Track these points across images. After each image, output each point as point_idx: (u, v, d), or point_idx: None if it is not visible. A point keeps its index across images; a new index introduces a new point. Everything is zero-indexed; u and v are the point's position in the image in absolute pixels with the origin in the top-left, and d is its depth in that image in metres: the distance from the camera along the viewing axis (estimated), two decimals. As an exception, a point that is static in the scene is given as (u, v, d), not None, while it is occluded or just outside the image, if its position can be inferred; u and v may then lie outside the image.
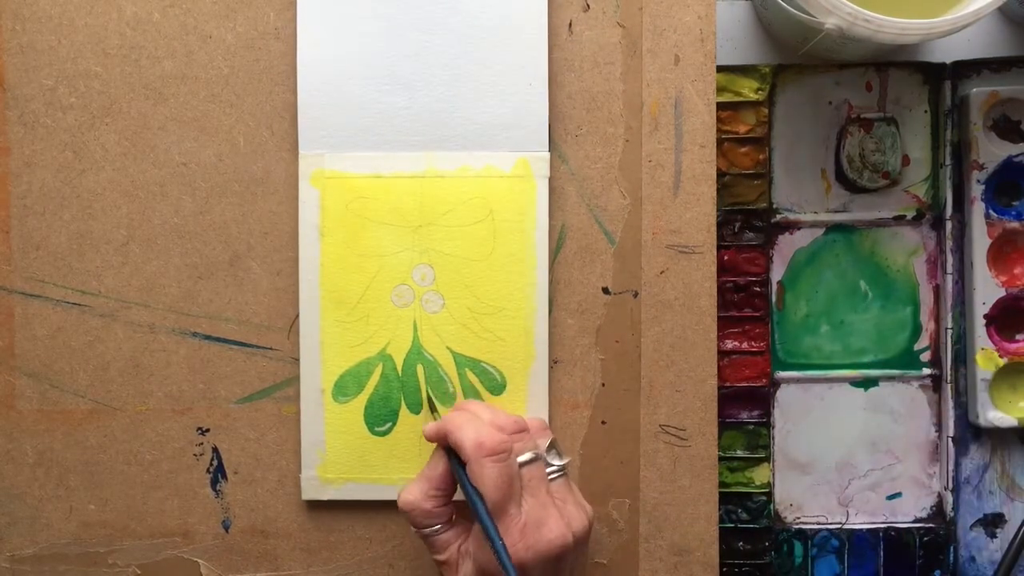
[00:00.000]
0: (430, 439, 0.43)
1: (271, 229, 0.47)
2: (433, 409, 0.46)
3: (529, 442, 0.42)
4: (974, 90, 0.48)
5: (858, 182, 0.48)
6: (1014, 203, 0.48)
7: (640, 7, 0.46)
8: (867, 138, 0.48)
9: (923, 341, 0.50)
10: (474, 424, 0.41)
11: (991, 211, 0.48)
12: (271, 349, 0.47)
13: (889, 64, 0.49)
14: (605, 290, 0.47)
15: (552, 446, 0.43)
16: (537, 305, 0.46)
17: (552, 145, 0.46)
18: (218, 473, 0.47)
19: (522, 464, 0.41)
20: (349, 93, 0.46)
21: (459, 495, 0.42)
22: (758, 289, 0.49)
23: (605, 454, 0.47)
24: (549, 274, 0.46)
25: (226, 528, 0.48)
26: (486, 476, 0.39)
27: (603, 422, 0.47)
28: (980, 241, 0.48)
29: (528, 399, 0.46)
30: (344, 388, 0.46)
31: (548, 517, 0.40)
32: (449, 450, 0.42)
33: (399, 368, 0.46)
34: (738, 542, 0.49)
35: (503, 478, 0.40)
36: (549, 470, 0.42)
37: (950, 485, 0.49)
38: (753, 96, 0.48)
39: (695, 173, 0.46)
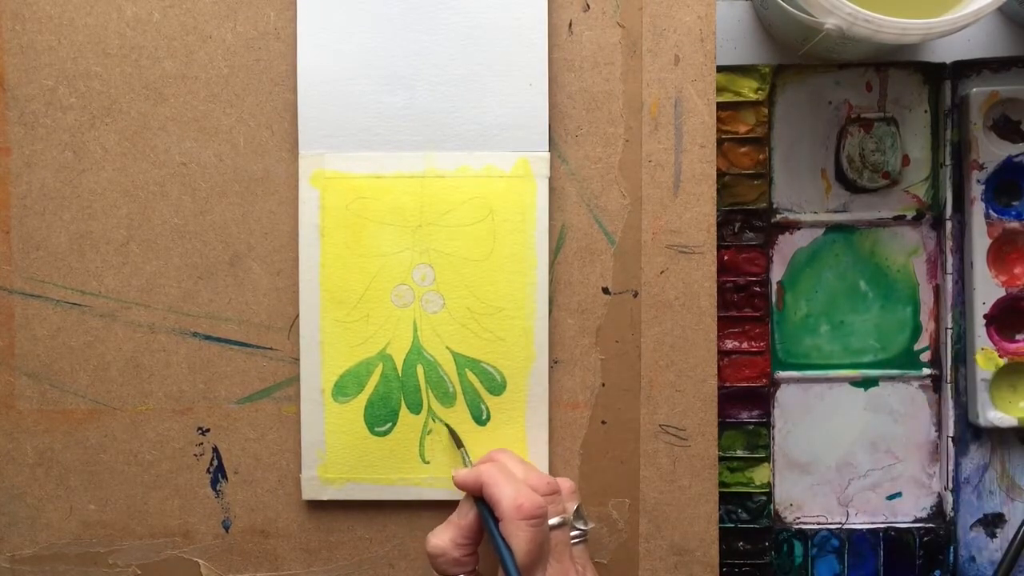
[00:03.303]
0: (464, 488, 0.43)
1: (271, 229, 0.47)
2: (459, 444, 0.46)
3: (559, 504, 0.42)
4: (974, 90, 0.48)
5: (858, 182, 0.48)
6: (1014, 203, 0.48)
7: (640, 7, 0.46)
8: (867, 138, 0.48)
9: (923, 341, 0.50)
10: (512, 482, 0.41)
11: (991, 211, 0.48)
12: (271, 349, 0.47)
13: (889, 64, 0.49)
14: (605, 290, 0.47)
15: (579, 510, 0.43)
16: (537, 305, 0.46)
17: (552, 145, 0.46)
18: (218, 473, 0.47)
19: (551, 527, 0.41)
20: (349, 93, 0.46)
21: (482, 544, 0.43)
22: (758, 289, 0.49)
23: (605, 454, 0.47)
24: (549, 274, 0.46)
25: (226, 528, 0.48)
26: (521, 538, 0.39)
27: (603, 422, 0.47)
28: (980, 241, 0.48)
29: (528, 399, 0.46)
30: (344, 388, 0.46)
31: None
32: (480, 501, 0.42)
33: (399, 368, 0.46)
34: (738, 542, 0.49)
35: (535, 542, 0.40)
36: (573, 534, 0.42)
37: (950, 485, 0.49)
38: (753, 96, 0.48)
39: (695, 173, 0.46)
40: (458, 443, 0.46)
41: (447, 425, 0.46)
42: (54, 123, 0.47)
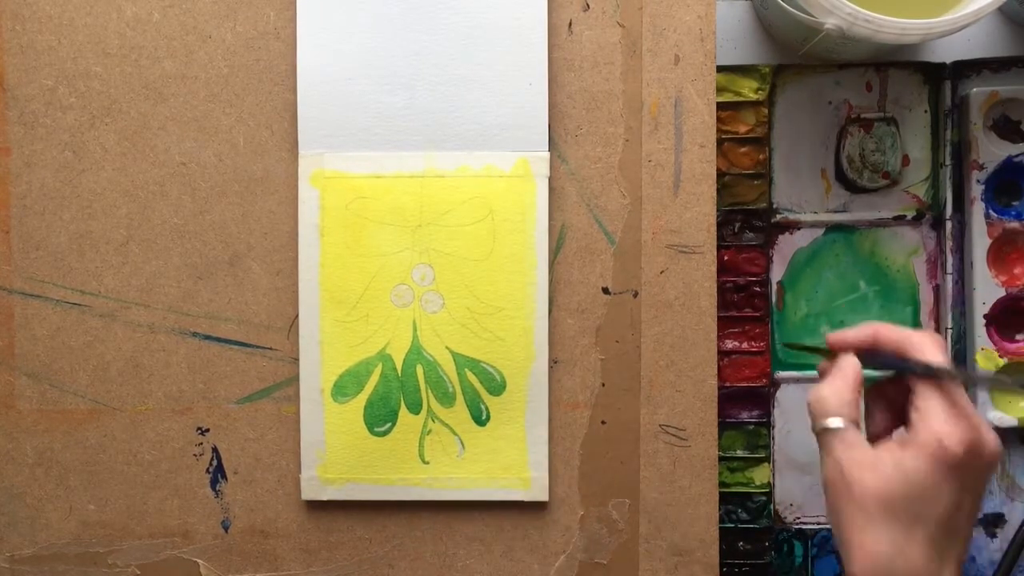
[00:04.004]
0: (845, 344, 0.40)
1: (271, 229, 0.47)
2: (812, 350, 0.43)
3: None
4: (974, 90, 0.48)
5: (858, 182, 0.48)
6: (1014, 203, 0.48)
7: (640, 7, 0.46)
8: (867, 138, 0.48)
9: (923, 341, 0.50)
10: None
11: (991, 211, 0.48)
12: (271, 349, 0.47)
13: (889, 64, 0.49)
14: (605, 290, 0.47)
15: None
16: (537, 305, 0.46)
17: (552, 145, 0.46)
18: (218, 473, 0.47)
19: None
20: (349, 93, 0.46)
21: None
22: (758, 289, 0.49)
23: (605, 454, 0.47)
24: (549, 274, 0.46)
25: (226, 528, 0.48)
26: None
27: (603, 422, 0.47)
28: (980, 241, 0.48)
29: (528, 399, 0.46)
30: (344, 388, 0.46)
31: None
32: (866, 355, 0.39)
33: (399, 368, 0.46)
34: (738, 542, 0.49)
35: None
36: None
37: (950, 485, 0.49)
38: (753, 96, 0.48)
39: (695, 173, 0.46)
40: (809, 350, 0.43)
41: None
42: (54, 123, 0.47)
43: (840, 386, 0.39)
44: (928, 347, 0.38)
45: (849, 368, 0.39)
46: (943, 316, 0.49)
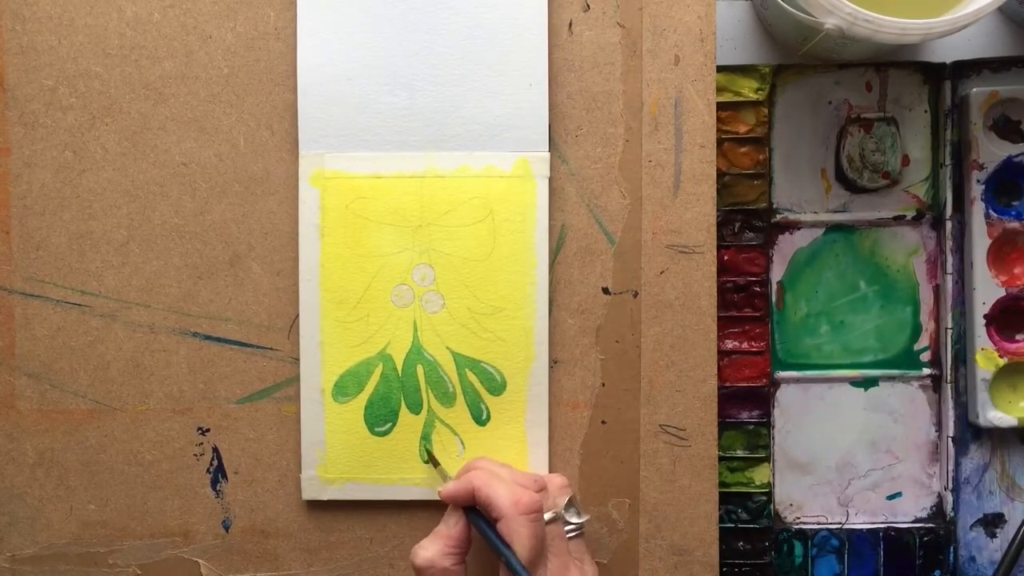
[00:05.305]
0: (453, 500, 0.43)
1: (271, 229, 0.47)
2: (436, 464, 0.46)
3: (549, 500, 0.42)
4: (974, 90, 0.48)
5: (858, 182, 0.48)
6: (1014, 203, 0.48)
7: (640, 7, 0.46)
8: (867, 138, 0.48)
9: (923, 341, 0.50)
10: (503, 482, 0.41)
11: (991, 211, 0.48)
12: (271, 349, 0.47)
13: (889, 64, 0.49)
14: (605, 290, 0.47)
15: (571, 503, 0.44)
16: (537, 305, 0.46)
17: (552, 145, 0.46)
18: (218, 473, 0.47)
19: (545, 523, 0.41)
20: (349, 93, 0.46)
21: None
22: (758, 289, 0.49)
23: (605, 454, 0.47)
24: (549, 274, 0.46)
25: (226, 528, 0.48)
26: (522, 534, 0.40)
27: (603, 422, 0.47)
28: (980, 241, 0.48)
29: (528, 399, 0.46)
30: (344, 388, 0.46)
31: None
32: (471, 510, 0.42)
33: (399, 368, 0.46)
34: (738, 542, 0.49)
35: (536, 537, 0.40)
36: (567, 528, 0.43)
37: (950, 485, 0.49)
38: (753, 96, 0.48)
39: (695, 173, 0.46)
40: (434, 463, 0.46)
41: (426, 449, 0.46)
42: (54, 123, 0.47)
43: (438, 550, 0.42)
44: (519, 531, 0.40)
45: (453, 528, 0.42)
46: (943, 316, 0.49)
